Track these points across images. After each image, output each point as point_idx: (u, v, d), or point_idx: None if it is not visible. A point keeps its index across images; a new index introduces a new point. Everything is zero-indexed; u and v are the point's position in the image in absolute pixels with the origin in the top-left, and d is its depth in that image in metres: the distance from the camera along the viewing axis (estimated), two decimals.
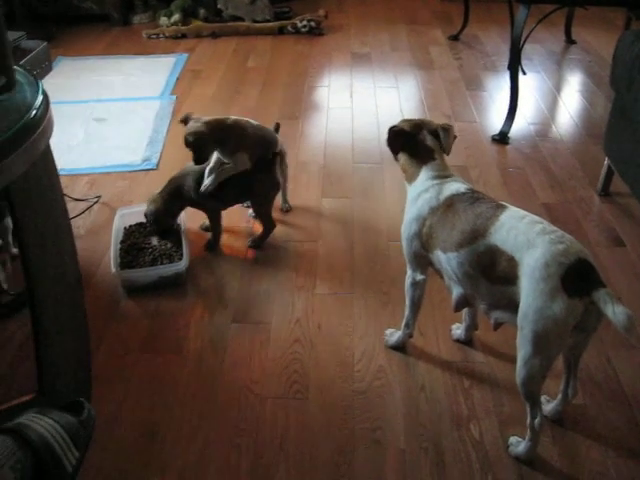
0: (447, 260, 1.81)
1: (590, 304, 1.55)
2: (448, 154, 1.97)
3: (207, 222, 2.69)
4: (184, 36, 4.85)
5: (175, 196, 2.52)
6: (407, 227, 1.95)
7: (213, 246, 2.64)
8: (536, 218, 1.70)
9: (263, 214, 2.63)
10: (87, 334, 1.87)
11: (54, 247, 1.62)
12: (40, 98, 1.47)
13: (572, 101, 4.01)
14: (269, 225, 2.64)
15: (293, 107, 3.80)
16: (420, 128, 1.97)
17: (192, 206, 2.59)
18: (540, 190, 3.02)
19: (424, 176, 1.93)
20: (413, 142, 1.95)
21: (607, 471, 1.78)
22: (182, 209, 2.59)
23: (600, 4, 3.58)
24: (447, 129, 1.96)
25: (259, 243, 2.64)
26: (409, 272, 2.03)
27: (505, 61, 4.31)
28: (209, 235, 2.67)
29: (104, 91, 4.04)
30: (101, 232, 2.72)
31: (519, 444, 1.81)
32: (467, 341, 2.18)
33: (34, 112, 1.42)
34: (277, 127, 2.72)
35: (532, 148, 3.40)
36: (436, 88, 4.05)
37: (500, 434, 1.88)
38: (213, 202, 2.56)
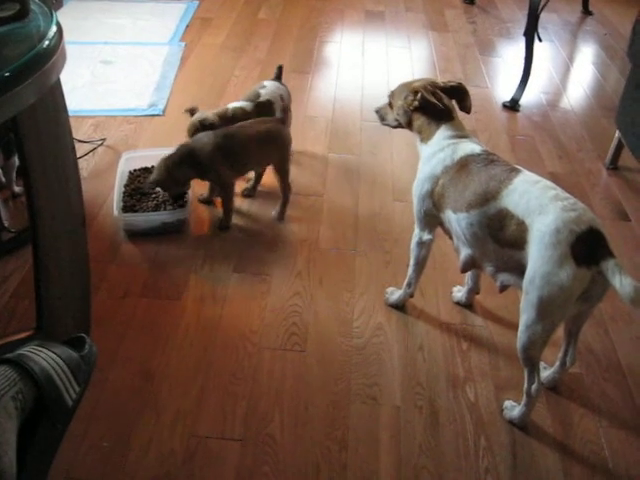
0: (457, 220, 1.80)
1: (597, 274, 1.54)
2: (469, 112, 1.95)
3: (206, 194, 2.59)
4: None
5: (184, 163, 2.33)
6: (419, 186, 1.92)
7: (226, 225, 2.48)
8: (550, 184, 1.68)
9: (286, 173, 2.50)
10: (88, 274, 1.86)
11: (60, 183, 1.60)
12: (54, 28, 1.43)
13: (585, 73, 3.97)
14: (289, 187, 2.52)
15: (303, 61, 3.75)
16: (435, 87, 1.93)
17: (203, 177, 2.43)
18: (548, 159, 3.00)
19: (440, 135, 1.90)
20: (431, 102, 1.91)
21: (598, 440, 1.80)
22: (190, 179, 2.40)
23: None
24: (464, 88, 1.94)
25: (284, 211, 2.54)
26: (416, 231, 2.01)
27: (520, 28, 4.25)
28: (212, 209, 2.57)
29: (112, 34, 3.97)
30: (104, 175, 2.70)
31: (514, 408, 1.82)
32: (468, 304, 2.18)
33: (47, 42, 1.39)
34: (280, 71, 2.72)
35: (542, 117, 3.37)
36: (449, 51, 4.00)
37: (495, 397, 1.89)
38: (228, 169, 2.40)
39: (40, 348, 1.21)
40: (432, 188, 1.88)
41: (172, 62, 3.64)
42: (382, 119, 2.10)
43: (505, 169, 1.74)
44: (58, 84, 1.52)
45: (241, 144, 2.38)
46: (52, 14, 1.51)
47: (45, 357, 1.18)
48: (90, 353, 1.26)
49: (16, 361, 1.14)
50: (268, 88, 2.68)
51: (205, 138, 2.36)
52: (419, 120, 1.94)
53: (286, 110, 2.68)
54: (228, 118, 2.52)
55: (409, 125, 1.98)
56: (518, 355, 1.72)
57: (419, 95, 1.90)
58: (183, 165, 2.33)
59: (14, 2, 1.44)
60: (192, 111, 2.51)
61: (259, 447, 1.72)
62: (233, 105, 2.60)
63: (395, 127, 2.07)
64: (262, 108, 2.61)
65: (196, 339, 2.03)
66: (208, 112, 2.51)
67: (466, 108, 1.97)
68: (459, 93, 1.95)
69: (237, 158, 2.39)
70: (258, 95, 2.65)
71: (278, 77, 2.74)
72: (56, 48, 1.40)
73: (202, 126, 2.44)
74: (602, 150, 3.04)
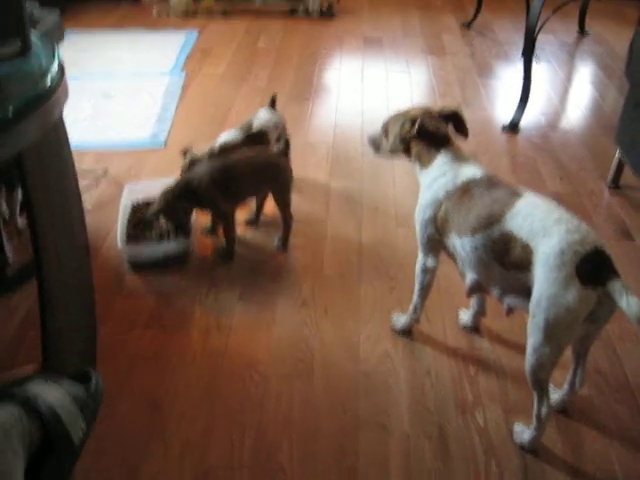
0: (462, 244, 1.80)
1: (604, 295, 1.54)
2: (467, 136, 1.96)
3: (209, 224, 2.58)
4: (195, 14, 4.81)
5: (182, 196, 2.34)
6: (422, 212, 1.93)
7: (228, 255, 2.47)
8: (553, 206, 1.68)
9: (286, 203, 2.50)
10: (93, 307, 1.86)
11: (64, 217, 1.60)
12: (56, 65, 1.45)
13: (583, 93, 3.99)
14: (290, 216, 2.52)
15: (304, 88, 3.77)
16: (432, 114, 1.94)
17: (202, 207, 2.43)
18: (549, 180, 3.00)
19: (440, 161, 1.90)
20: (429, 129, 1.93)
21: (611, 463, 1.78)
22: (190, 210, 2.41)
23: None
24: (460, 114, 1.95)
25: (286, 240, 2.54)
26: (420, 257, 2.01)
27: (517, 50, 4.29)
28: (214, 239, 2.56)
29: (113, 66, 4.02)
30: (108, 207, 2.71)
31: (524, 432, 1.80)
32: (474, 328, 2.17)
33: (49, 79, 1.40)
34: (273, 100, 2.75)
35: (542, 138, 3.38)
36: (448, 75, 4.03)
37: (505, 422, 1.87)
38: (225, 199, 2.39)
39: (46, 383, 1.21)
40: (435, 213, 1.88)
41: (173, 93, 3.67)
42: (376, 149, 2.10)
43: (508, 192, 1.74)
44: (61, 120, 1.53)
45: (238, 176, 2.39)
46: (54, 50, 1.52)
47: (51, 393, 1.18)
48: (97, 388, 1.26)
49: (22, 397, 1.14)
50: (261, 117, 2.71)
51: (201, 170, 2.37)
52: (417, 147, 1.95)
53: (282, 138, 2.65)
54: (216, 155, 2.54)
55: (407, 152, 1.98)
56: (527, 378, 1.71)
57: (418, 122, 1.91)
58: (182, 198, 2.34)
59: (16, 39, 1.46)
60: (185, 152, 2.54)
61: (268, 477, 1.71)
62: (221, 140, 2.62)
63: (389, 157, 2.07)
64: (255, 138, 2.63)
65: (203, 369, 2.02)
66: (198, 153, 2.54)
67: (463, 133, 1.97)
68: (455, 119, 1.97)
69: (234, 189, 2.40)
70: (250, 126, 2.67)
71: (272, 105, 2.76)
72: (58, 85, 1.42)
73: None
74: (603, 169, 3.04)
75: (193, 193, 2.34)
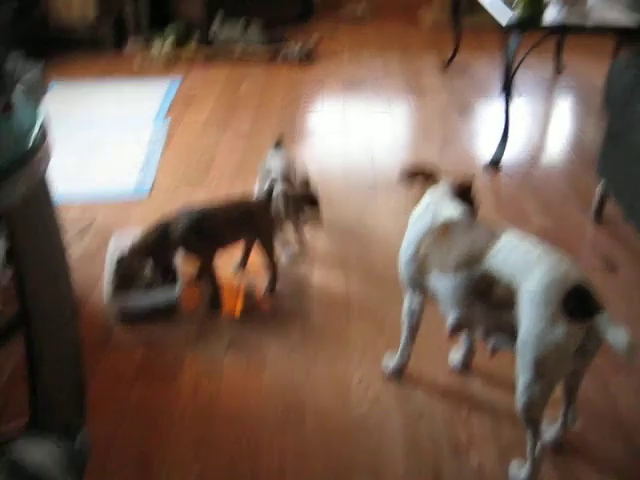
0: (443, 284, 1.81)
1: (590, 329, 1.55)
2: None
3: (195, 273, 2.53)
4: (177, 61, 4.86)
5: (160, 241, 2.34)
6: (405, 250, 1.95)
7: (215, 302, 2.46)
8: (534, 242, 1.70)
9: (270, 250, 2.50)
10: (82, 362, 1.85)
11: (50, 274, 1.60)
12: (39, 123, 1.46)
13: (563, 127, 4.05)
14: (276, 263, 2.51)
15: (287, 132, 3.79)
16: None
17: (178, 252, 2.42)
18: (534, 216, 3.03)
19: (425, 200, 1.95)
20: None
21: None
22: (169, 256, 2.41)
23: (590, 32, 3.62)
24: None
25: (274, 286, 2.54)
26: (407, 297, 2.02)
27: (496, 88, 4.36)
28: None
29: (97, 116, 4.04)
30: (93, 259, 2.70)
31: (519, 471, 1.79)
32: (465, 367, 2.17)
33: (32, 137, 1.41)
34: (279, 141, 2.83)
35: (525, 174, 3.42)
36: (428, 114, 4.08)
37: (499, 461, 1.86)
38: (205, 244, 2.41)
39: (32, 443, 1.20)
40: (416, 251, 1.90)
41: (157, 141, 3.69)
42: None
43: (488, 230, 1.76)
44: (46, 177, 1.54)
45: (217, 225, 2.39)
46: (37, 107, 1.54)
47: (37, 454, 1.16)
48: (83, 445, 1.25)
49: (7, 460, 1.12)
50: (273, 162, 2.73)
51: (182, 218, 2.37)
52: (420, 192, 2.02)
53: (288, 179, 2.63)
54: None
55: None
56: (519, 417, 1.71)
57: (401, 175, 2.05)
58: (160, 240, 2.35)
59: None
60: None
61: None
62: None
63: None
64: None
65: (193, 421, 2.00)
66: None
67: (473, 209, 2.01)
68: (467, 194, 2.00)
69: (212, 238, 2.40)
70: (270, 171, 2.69)
71: (277, 145, 2.82)
72: (42, 143, 1.43)
73: None
74: (586, 203, 3.07)
75: (170, 240, 2.34)
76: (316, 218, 2.61)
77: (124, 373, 2.17)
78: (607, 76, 2.76)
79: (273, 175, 2.63)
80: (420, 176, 2.01)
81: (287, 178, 2.62)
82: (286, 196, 2.55)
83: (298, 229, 2.75)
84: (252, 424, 1.98)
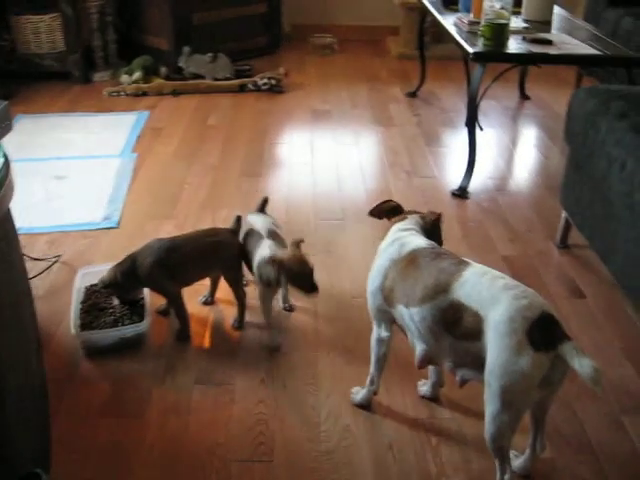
0: (410, 315, 1.81)
1: (556, 358, 1.56)
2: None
3: (164, 305, 2.55)
4: (145, 94, 4.86)
5: (128, 274, 2.34)
6: (371, 281, 1.96)
7: (184, 335, 2.44)
8: (498, 274, 1.72)
9: (238, 282, 2.49)
10: (46, 400, 1.82)
11: (13, 312, 1.58)
12: (0, 162, 1.44)
13: (528, 155, 4.11)
14: (244, 295, 2.50)
15: (254, 164, 3.82)
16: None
17: (145, 286, 2.42)
18: (500, 243, 3.06)
19: (391, 232, 1.98)
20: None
21: None
22: (137, 289, 2.43)
23: (553, 63, 3.71)
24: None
25: (242, 318, 2.51)
26: (374, 328, 2.02)
27: (462, 117, 4.41)
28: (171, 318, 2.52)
29: (64, 149, 4.01)
30: (61, 292, 2.67)
31: None
32: (433, 397, 2.17)
33: None
34: (264, 203, 2.61)
35: (491, 202, 3.46)
36: (396, 144, 4.12)
37: None
38: (169, 282, 2.38)
39: None
40: (382, 283, 1.91)
41: (125, 173, 3.68)
42: None
43: (453, 262, 1.78)
44: (7, 214, 1.53)
45: (183, 258, 2.37)
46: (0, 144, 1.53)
47: None
48: None
49: None
50: (259, 223, 2.49)
51: (148, 250, 2.36)
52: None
53: (276, 235, 2.46)
54: None
55: None
56: (488, 446, 1.71)
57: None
58: (129, 275, 2.34)
59: None
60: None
61: None
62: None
63: None
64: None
65: (161, 457, 1.97)
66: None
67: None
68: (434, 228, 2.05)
69: (178, 271, 2.38)
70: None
71: (262, 209, 2.59)
72: (3, 182, 1.41)
73: None
74: (551, 230, 3.12)
75: (136, 273, 2.33)
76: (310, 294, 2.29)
77: (90, 409, 2.14)
78: (568, 107, 2.81)
79: (258, 229, 2.45)
80: (386, 213, 2.04)
81: (274, 235, 2.43)
82: (274, 262, 2.25)
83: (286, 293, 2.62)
84: (220, 459, 1.96)
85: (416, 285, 1.79)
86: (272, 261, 2.25)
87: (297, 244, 2.29)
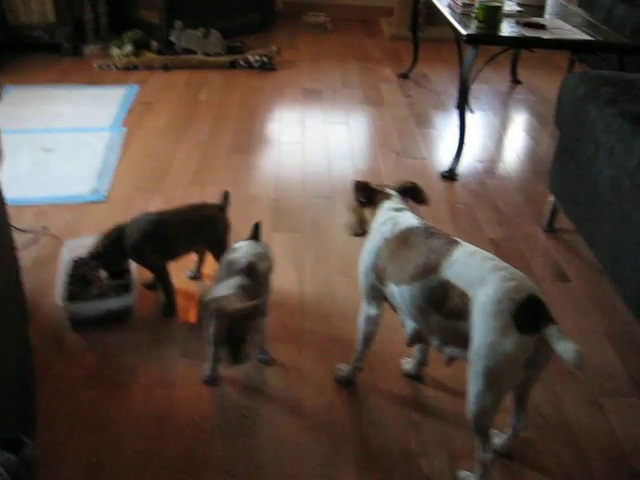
0: (400, 293, 1.83)
1: (540, 340, 1.58)
2: (428, 204, 2.08)
3: (150, 279, 2.54)
4: (135, 68, 4.83)
5: (115, 245, 2.32)
6: (364, 260, 1.97)
7: (170, 310, 2.44)
8: (488, 255, 1.73)
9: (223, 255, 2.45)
10: (32, 368, 1.82)
11: (0, 281, 1.58)
12: None
13: (518, 139, 4.12)
14: None
15: (245, 141, 3.81)
16: (366, 185, 2.05)
17: (131, 258, 2.40)
18: (487, 226, 3.07)
19: (381, 211, 1.98)
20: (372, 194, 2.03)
21: None
22: (123, 260, 2.40)
23: (545, 47, 3.70)
24: (417, 187, 2.07)
25: None
26: (363, 306, 2.03)
27: (453, 100, 4.42)
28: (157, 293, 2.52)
29: (53, 121, 3.99)
30: (48, 264, 2.66)
31: (468, 478, 1.81)
32: (417, 376, 2.19)
33: None
34: (256, 229, 2.25)
35: (479, 185, 3.47)
36: (386, 125, 4.11)
37: (450, 469, 1.89)
38: (155, 256, 2.38)
39: None
40: (375, 261, 1.92)
41: (114, 147, 3.66)
42: (355, 234, 2.15)
43: (444, 241, 1.79)
44: None
45: (170, 232, 2.38)
46: None
47: None
48: (30, 455, 1.23)
49: None
50: (241, 252, 2.14)
51: (136, 224, 2.35)
52: (368, 211, 2.03)
53: (265, 275, 2.17)
54: None
55: (368, 220, 2.04)
56: (469, 425, 1.73)
57: (355, 192, 2.03)
58: (116, 246, 2.33)
59: None
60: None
61: None
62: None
63: (363, 232, 2.08)
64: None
65: (146, 429, 1.98)
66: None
67: (424, 203, 2.07)
68: (413, 191, 2.05)
69: (165, 245, 2.38)
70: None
71: (254, 237, 2.24)
72: None
73: None
74: (539, 214, 3.14)
75: (124, 243, 2.33)
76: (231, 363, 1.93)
77: (76, 380, 2.15)
78: (559, 92, 2.81)
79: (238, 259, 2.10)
80: (369, 192, 2.04)
81: (251, 270, 2.06)
82: (218, 311, 1.88)
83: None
84: (204, 433, 1.98)
85: (407, 263, 1.80)
86: (216, 309, 1.88)
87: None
